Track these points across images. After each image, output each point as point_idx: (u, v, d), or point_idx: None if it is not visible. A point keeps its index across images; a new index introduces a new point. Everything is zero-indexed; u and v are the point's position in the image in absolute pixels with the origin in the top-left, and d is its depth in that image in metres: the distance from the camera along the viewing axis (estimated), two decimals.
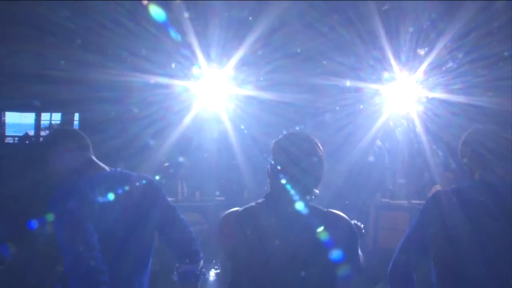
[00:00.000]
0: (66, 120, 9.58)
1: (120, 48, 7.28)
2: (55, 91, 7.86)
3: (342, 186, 6.77)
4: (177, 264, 2.43)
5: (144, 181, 2.38)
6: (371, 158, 7.29)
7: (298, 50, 7.48)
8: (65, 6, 6.26)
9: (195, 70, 7.92)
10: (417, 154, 7.55)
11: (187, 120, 8.27)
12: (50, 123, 9.60)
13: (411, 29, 6.00)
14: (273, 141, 1.98)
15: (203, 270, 2.42)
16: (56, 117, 9.63)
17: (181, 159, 8.61)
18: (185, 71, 7.91)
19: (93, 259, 1.90)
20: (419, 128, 7.23)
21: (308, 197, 1.87)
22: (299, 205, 1.83)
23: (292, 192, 1.83)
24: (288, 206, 1.83)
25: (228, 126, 8.71)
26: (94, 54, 7.13)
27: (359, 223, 2.25)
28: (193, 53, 7.29)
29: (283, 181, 1.86)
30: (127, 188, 2.26)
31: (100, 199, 2.12)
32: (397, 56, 6.49)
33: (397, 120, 7.77)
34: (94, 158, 2.39)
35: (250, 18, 6.86)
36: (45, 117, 9.57)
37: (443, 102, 6.75)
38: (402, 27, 6.08)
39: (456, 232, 1.87)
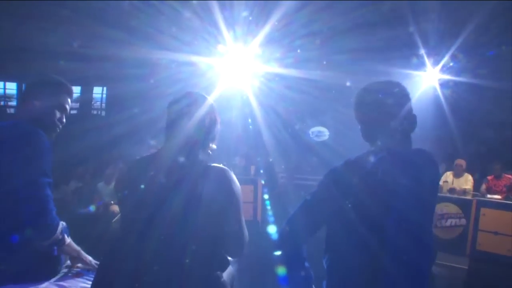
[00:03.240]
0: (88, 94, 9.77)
1: (147, 25, 7.34)
2: (83, 66, 7.99)
3: None
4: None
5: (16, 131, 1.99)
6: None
7: (323, 28, 7.42)
8: None
9: (220, 47, 7.95)
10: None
11: (212, 97, 8.33)
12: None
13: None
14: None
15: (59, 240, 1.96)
16: (76, 90, 9.80)
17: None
18: (211, 48, 7.94)
19: None
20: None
21: (200, 151, 1.86)
22: (186, 158, 1.81)
23: (182, 145, 1.81)
24: (176, 158, 1.80)
25: (253, 102, 8.78)
26: (121, 31, 7.21)
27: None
28: (218, 30, 7.32)
29: (174, 134, 1.85)
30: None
31: None
32: (424, 38, 6.39)
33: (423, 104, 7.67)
34: None
35: None
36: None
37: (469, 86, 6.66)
38: (432, 10, 5.96)
39: (346, 207, 1.74)
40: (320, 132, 9.48)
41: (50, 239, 1.89)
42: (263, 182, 6.86)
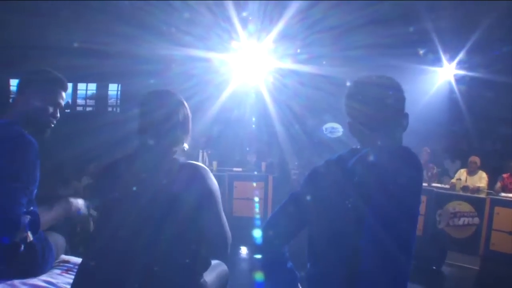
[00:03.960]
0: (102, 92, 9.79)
1: (161, 22, 7.38)
2: (99, 63, 8.06)
3: None
4: None
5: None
6: None
7: (337, 24, 7.39)
8: None
9: (234, 43, 7.98)
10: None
11: (226, 93, 8.39)
12: (86, 93, 9.82)
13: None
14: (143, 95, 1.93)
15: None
16: (92, 87, 9.87)
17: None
18: (225, 44, 7.97)
19: None
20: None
21: (174, 149, 1.84)
22: (161, 157, 1.80)
23: (156, 144, 1.81)
24: (151, 157, 1.80)
25: (267, 98, 8.81)
26: (135, 28, 7.25)
27: None
28: (232, 26, 7.34)
29: (148, 133, 1.82)
30: None
31: None
32: (440, 34, 6.32)
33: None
34: None
35: None
36: (81, 87, 9.80)
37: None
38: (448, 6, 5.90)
39: (321, 207, 1.70)
40: (334, 129, 9.45)
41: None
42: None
